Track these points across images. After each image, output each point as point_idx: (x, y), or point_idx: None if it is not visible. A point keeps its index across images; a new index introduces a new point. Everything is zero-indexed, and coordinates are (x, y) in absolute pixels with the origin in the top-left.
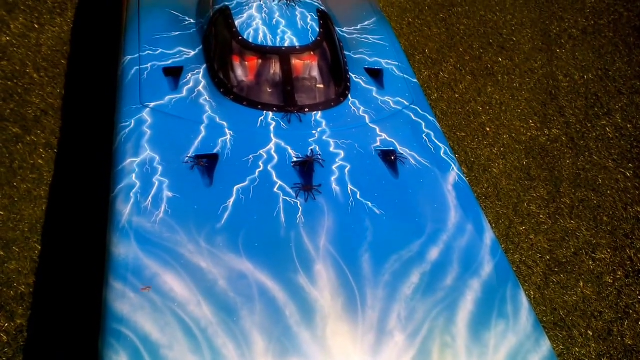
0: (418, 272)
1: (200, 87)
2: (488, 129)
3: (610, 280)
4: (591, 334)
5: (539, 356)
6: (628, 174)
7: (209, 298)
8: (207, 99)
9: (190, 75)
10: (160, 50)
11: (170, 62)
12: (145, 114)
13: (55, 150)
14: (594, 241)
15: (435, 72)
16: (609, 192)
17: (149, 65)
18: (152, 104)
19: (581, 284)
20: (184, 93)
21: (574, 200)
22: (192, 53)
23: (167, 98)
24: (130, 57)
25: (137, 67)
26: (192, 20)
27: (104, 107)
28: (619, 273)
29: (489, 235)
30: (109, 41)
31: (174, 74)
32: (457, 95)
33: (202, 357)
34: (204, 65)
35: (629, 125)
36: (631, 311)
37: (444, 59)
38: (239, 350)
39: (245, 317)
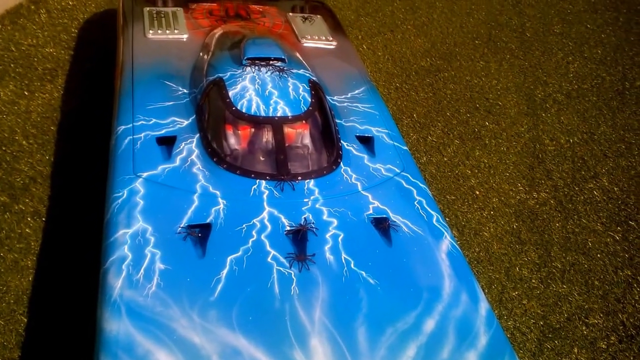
0: (414, 345)
1: (193, 156)
2: (477, 192)
3: (604, 346)
4: None
5: None
6: (617, 237)
7: None
8: (200, 167)
9: (183, 144)
10: (154, 120)
11: (163, 131)
12: (138, 184)
13: (44, 219)
14: (587, 306)
15: (423, 135)
16: (598, 255)
17: (142, 135)
18: (145, 174)
19: (575, 350)
20: (177, 162)
21: (564, 264)
22: (185, 122)
23: (160, 168)
24: (123, 126)
25: (131, 137)
26: (185, 90)
27: (94, 174)
28: (612, 338)
29: (483, 305)
30: (99, 108)
31: (167, 143)
32: (445, 159)
33: None
34: (197, 135)
35: (615, 188)
36: None
37: (432, 123)
38: None
39: None
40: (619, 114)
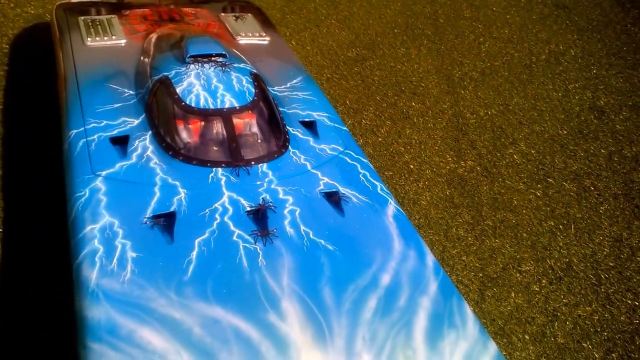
0: (375, 297)
1: (148, 152)
2: (412, 167)
3: (537, 288)
4: (528, 337)
5: (489, 356)
6: (538, 194)
7: (187, 346)
8: (157, 162)
9: (137, 142)
10: (105, 121)
11: (116, 131)
12: (99, 183)
13: None
14: (518, 255)
15: (357, 120)
16: (524, 211)
17: (95, 136)
18: (103, 172)
19: (513, 295)
20: (134, 159)
21: (495, 221)
22: (136, 122)
23: (117, 165)
24: (75, 130)
25: (84, 140)
26: (131, 92)
27: (34, 186)
28: (544, 281)
29: (430, 258)
30: (38, 121)
31: (121, 142)
32: (380, 139)
33: None
34: (150, 132)
35: (532, 151)
36: (559, 313)
37: (364, 108)
38: None
39: (224, 359)
40: (529, 86)
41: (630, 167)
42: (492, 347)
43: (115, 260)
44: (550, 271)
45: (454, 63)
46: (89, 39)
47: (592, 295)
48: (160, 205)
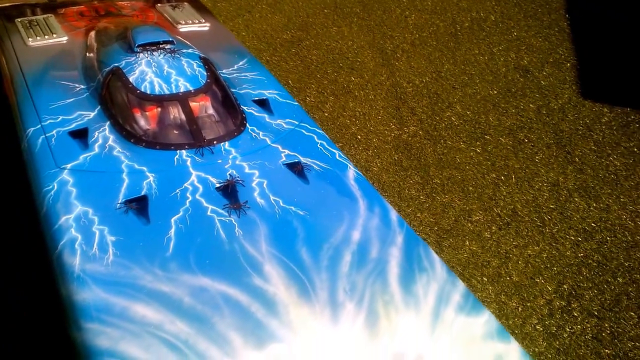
0: (348, 252)
1: (110, 142)
2: (359, 137)
3: (488, 235)
4: (486, 279)
5: (458, 293)
6: (478, 150)
7: (180, 315)
8: (120, 150)
9: (97, 133)
10: (61, 117)
11: (73, 125)
12: (65, 175)
13: None
14: (467, 207)
15: (302, 98)
16: (467, 167)
17: (54, 132)
18: (68, 165)
19: (467, 243)
20: (97, 150)
21: (442, 179)
22: (92, 114)
23: (81, 157)
24: (32, 128)
25: (43, 136)
26: (82, 86)
27: None
28: (493, 228)
29: (393, 214)
30: None
31: (81, 135)
32: (326, 114)
33: None
34: (108, 122)
35: (468, 112)
36: (511, 255)
37: (307, 86)
38: (221, 350)
39: (218, 322)
40: (457, 52)
41: (559, 117)
42: (460, 284)
43: (95, 246)
44: (498, 218)
45: (384, 37)
46: (30, 39)
47: (539, 235)
48: (131, 191)
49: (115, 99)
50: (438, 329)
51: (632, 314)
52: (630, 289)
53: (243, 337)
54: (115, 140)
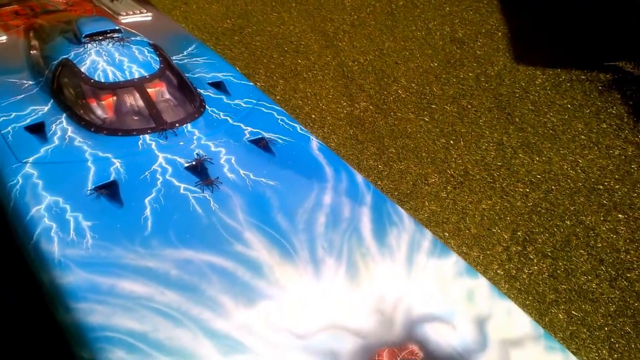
0: (322, 214)
1: (69, 133)
2: (314, 116)
3: (445, 195)
4: (447, 234)
5: (427, 240)
6: (426, 119)
7: (169, 286)
8: (82, 140)
9: (54, 126)
10: (14, 113)
11: (28, 120)
12: (29, 169)
13: None
14: (423, 172)
15: (252, 83)
16: (418, 135)
17: (9, 128)
18: (30, 159)
19: (427, 204)
20: (56, 142)
21: (396, 148)
22: (46, 108)
23: (42, 150)
24: None
25: None
26: (30, 82)
27: None
28: (449, 188)
29: (359, 177)
30: None
31: (37, 130)
32: (278, 97)
33: (187, 327)
34: (64, 114)
35: (413, 85)
36: (467, 210)
37: (255, 72)
38: (215, 313)
39: (207, 289)
40: (395, 30)
41: (496, 83)
42: (428, 233)
43: (72, 232)
44: (452, 179)
45: (324, 20)
46: None
47: (490, 191)
48: (99, 178)
49: (68, 90)
50: (413, 272)
51: (582, 251)
52: (577, 230)
53: (233, 299)
54: (75, 131)
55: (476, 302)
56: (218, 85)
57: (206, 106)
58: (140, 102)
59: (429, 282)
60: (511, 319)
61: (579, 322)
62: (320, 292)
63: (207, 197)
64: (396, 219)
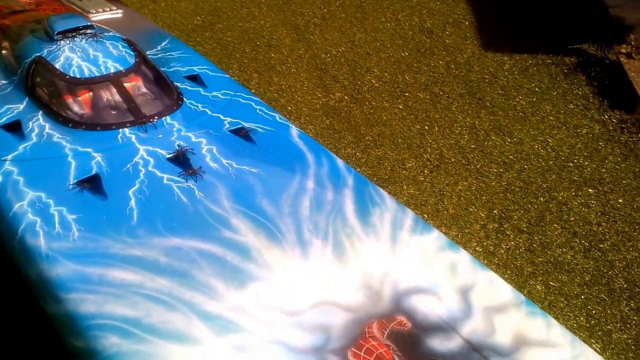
0: (306, 198)
1: (47, 130)
2: (290, 108)
3: (422, 178)
4: (426, 216)
5: (409, 218)
6: (400, 107)
7: (159, 273)
8: (60, 136)
9: (30, 123)
10: None
11: (4, 119)
12: (8, 166)
13: None
14: (399, 157)
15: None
16: (394, 122)
17: None
18: (9, 156)
19: (405, 187)
20: (34, 139)
21: (373, 135)
22: (22, 106)
23: (20, 147)
24: None
25: None
26: (3, 82)
27: None
28: (426, 171)
29: (340, 162)
30: None
31: (14, 128)
32: (253, 90)
33: (180, 311)
34: (40, 112)
35: (386, 74)
36: (444, 192)
37: (228, 67)
38: (206, 296)
39: (197, 274)
40: (365, 22)
41: (466, 70)
42: (409, 212)
43: (57, 225)
44: (428, 163)
45: (295, 14)
46: None
47: (465, 172)
48: (81, 172)
49: (44, 87)
50: (397, 249)
51: (556, 225)
52: (551, 205)
53: (224, 282)
54: (53, 128)
55: (459, 273)
56: (194, 79)
57: (184, 99)
58: (117, 97)
59: (413, 257)
60: (493, 288)
61: (556, 292)
62: (309, 272)
63: (192, 186)
64: (378, 199)
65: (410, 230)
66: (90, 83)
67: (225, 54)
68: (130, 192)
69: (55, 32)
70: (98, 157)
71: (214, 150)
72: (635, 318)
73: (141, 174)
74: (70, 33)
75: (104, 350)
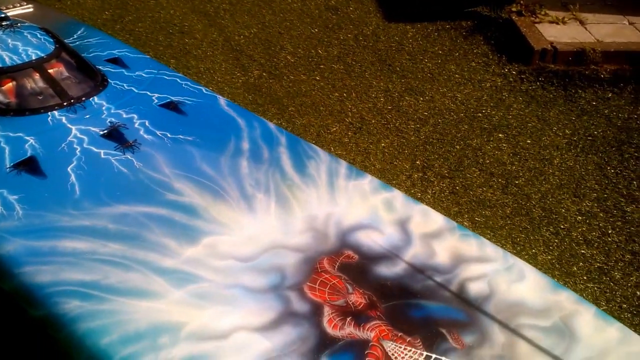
0: (244, 159)
1: None
2: (211, 88)
3: (347, 140)
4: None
5: (343, 167)
6: (317, 78)
7: (110, 238)
8: None
9: None
10: None
11: None
12: None
13: None
14: (324, 123)
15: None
16: (313, 92)
17: None
18: None
19: (332, 149)
20: None
21: (296, 106)
22: None
23: None
24: None
25: None
26: None
27: None
28: (350, 133)
29: (271, 124)
30: None
31: None
32: None
33: (136, 270)
34: None
35: (299, 50)
36: (370, 150)
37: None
38: (159, 254)
39: (148, 235)
40: (272, 4)
41: (373, 40)
42: (342, 162)
43: (0, 207)
44: (351, 126)
45: (203, 2)
46: None
47: (386, 131)
48: (15, 155)
49: None
50: (336, 193)
51: (474, 168)
52: (467, 152)
53: (176, 240)
54: None
55: (395, 209)
56: (115, 61)
57: (109, 80)
58: (42, 82)
59: (352, 199)
60: (428, 218)
61: (482, 226)
62: (257, 222)
63: (130, 157)
64: (312, 153)
65: (345, 177)
66: (13, 71)
67: (139, 43)
68: (69, 169)
69: None
70: (31, 140)
71: (147, 124)
72: (556, 240)
73: (77, 152)
74: None
75: (67, 314)
